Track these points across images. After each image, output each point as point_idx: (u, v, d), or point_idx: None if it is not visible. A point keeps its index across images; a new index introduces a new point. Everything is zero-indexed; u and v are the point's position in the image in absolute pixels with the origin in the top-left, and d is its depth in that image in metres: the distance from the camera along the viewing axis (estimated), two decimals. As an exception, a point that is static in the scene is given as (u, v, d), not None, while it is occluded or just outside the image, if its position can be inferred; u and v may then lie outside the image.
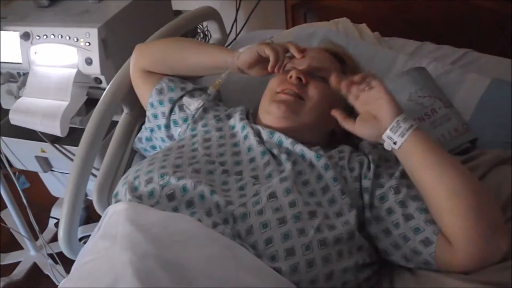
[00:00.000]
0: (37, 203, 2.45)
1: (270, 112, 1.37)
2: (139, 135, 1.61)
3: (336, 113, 1.27)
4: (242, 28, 2.76)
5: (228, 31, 2.64)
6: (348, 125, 1.24)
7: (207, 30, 2.17)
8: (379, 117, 1.18)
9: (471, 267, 1.11)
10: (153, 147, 1.60)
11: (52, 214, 2.70)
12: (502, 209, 1.27)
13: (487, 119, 1.54)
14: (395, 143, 1.15)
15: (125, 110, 1.68)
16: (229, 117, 1.46)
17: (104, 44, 1.74)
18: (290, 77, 1.38)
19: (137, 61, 1.58)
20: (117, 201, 1.27)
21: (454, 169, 1.14)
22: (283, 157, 1.28)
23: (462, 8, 2.06)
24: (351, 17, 2.03)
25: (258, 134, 1.35)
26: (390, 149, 1.18)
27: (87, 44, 1.74)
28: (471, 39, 1.99)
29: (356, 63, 1.60)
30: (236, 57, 1.40)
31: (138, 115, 1.66)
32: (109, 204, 1.51)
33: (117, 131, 1.66)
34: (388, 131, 1.16)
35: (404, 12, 2.12)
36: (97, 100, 1.63)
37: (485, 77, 1.61)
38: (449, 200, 1.11)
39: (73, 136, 1.80)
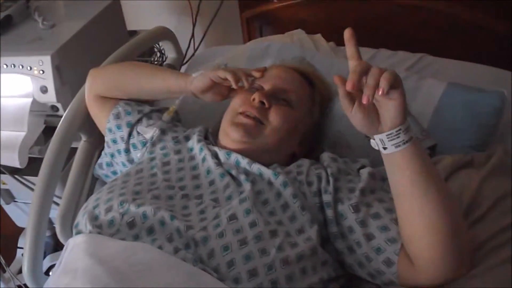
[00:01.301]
0: (4, 234, 2.40)
1: (228, 134, 1.36)
2: (99, 161, 1.60)
3: (337, 81, 1.03)
4: (200, 43, 2.75)
5: (186, 46, 2.65)
6: (345, 105, 1.06)
7: (163, 49, 2.16)
8: (381, 117, 1.05)
9: (433, 285, 1.12)
10: (114, 173, 1.58)
11: (19, 244, 2.65)
12: (464, 213, 1.28)
13: (445, 124, 1.54)
14: (385, 148, 1.06)
15: (83, 138, 1.66)
16: (187, 138, 1.45)
17: (58, 71, 1.72)
18: (253, 99, 1.36)
19: (91, 87, 1.57)
20: (78, 232, 1.25)
21: (437, 200, 1.07)
22: (242, 177, 1.27)
23: (417, 13, 2.07)
24: (306, 28, 2.03)
25: (215, 156, 1.34)
26: (377, 149, 1.08)
27: (41, 72, 1.71)
28: (426, 44, 2.01)
29: (326, 85, 1.59)
30: (189, 82, 1.39)
31: (97, 141, 1.64)
32: (72, 234, 1.49)
33: (77, 159, 1.64)
34: (384, 135, 1.04)
35: (358, 20, 2.12)
36: (56, 128, 1.61)
37: (441, 81, 1.62)
38: (424, 230, 1.07)
39: (33, 165, 1.77)
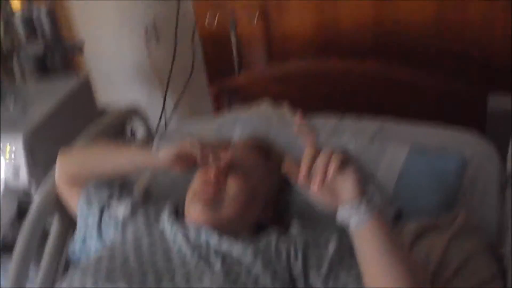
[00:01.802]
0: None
1: (190, 210, 1.39)
2: (72, 243, 1.60)
3: (287, 170, 1.12)
4: (171, 115, 2.81)
5: (158, 118, 2.70)
6: (302, 187, 1.11)
7: (134, 127, 2.20)
8: (339, 194, 1.08)
9: None
10: (88, 254, 1.58)
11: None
12: (432, 276, 1.31)
13: (410, 188, 1.58)
14: (348, 222, 1.09)
15: (56, 219, 1.66)
16: (158, 216, 1.46)
17: (30, 153, 1.74)
18: (209, 175, 1.40)
19: (60, 172, 1.59)
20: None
21: (401, 269, 1.09)
22: (212, 257, 1.29)
23: (382, 80, 2.15)
24: (273, 98, 2.08)
25: (186, 235, 1.36)
26: (342, 222, 1.12)
27: (13, 155, 1.73)
28: (390, 108, 2.08)
29: (283, 157, 1.62)
30: (155, 157, 1.43)
31: (70, 222, 1.64)
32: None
33: (50, 241, 1.64)
34: (344, 211, 1.08)
35: (323, 90, 2.19)
36: (29, 210, 1.62)
37: (404, 146, 1.66)
38: None
39: (7, 248, 1.76)
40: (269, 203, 1.49)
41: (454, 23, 2.28)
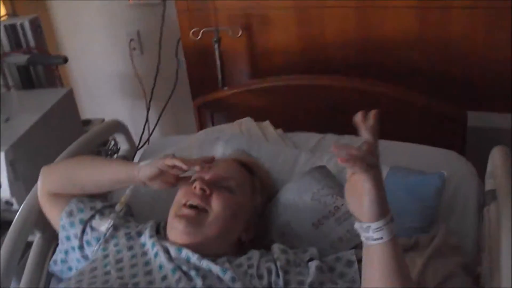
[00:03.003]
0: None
1: (173, 227, 1.40)
2: (54, 257, 1.61)
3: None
4: (154, 127, 2.81)
5: (141, 130, 2.69)
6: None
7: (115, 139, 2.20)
8: (358, 209, 1.10)
9: None
10: (70, 268, 1.59)
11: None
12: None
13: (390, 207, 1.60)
14: (362, 236, 1.11)
15: (38, 234, 1.67)
16: (139, 234, 1.47)
17: (12, 166, 1.74)
18: (195, 187, 1.41)
19: (43, 185, 1.59)
20: None
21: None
22: (192, 273, 1.30)
23: (365, 97, 2.17)
24: (255, 113, 2.09)
25: (167, 251, 1.37)
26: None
27: (-6, 169, 1.73)
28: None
29: (267, 173, 1.65)
30: (137, 171, 1.44)
31: (52, 237, 1.65)
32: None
33: (32, 255, 1.64)
34: (359, 228, 1.10)
35: (306, 106, 2.20)
36: (10, 222, 1.62)
37: (384, 166, 1.68)
38: None
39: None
40: (250, 223, 1.50)
41: (436, 39, 2.31)
